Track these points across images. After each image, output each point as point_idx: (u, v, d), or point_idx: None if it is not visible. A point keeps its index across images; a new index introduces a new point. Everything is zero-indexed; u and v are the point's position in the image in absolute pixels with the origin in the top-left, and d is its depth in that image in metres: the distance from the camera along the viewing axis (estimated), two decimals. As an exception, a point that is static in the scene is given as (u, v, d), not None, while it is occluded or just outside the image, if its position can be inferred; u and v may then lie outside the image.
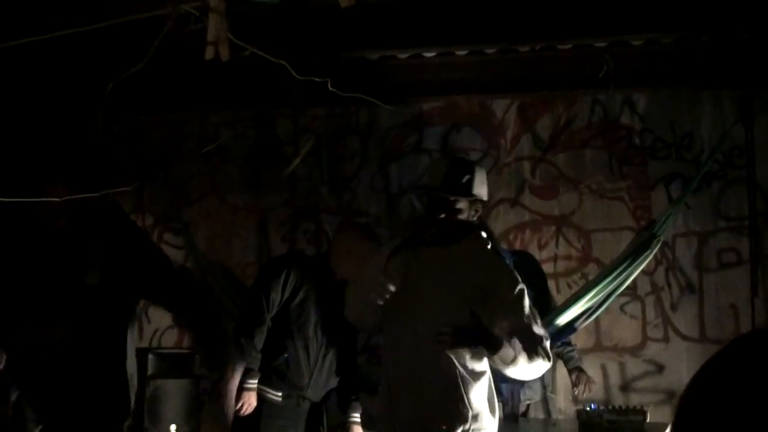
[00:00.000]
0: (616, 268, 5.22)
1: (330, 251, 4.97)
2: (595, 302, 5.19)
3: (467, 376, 3.62)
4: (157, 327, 6.58)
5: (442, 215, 3.68)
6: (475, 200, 3.75)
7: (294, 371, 4.79)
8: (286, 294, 4.78)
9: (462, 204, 3.70)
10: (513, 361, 3.55)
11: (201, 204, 6.65)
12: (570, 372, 5.33)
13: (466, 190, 3.69)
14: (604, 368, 6.05)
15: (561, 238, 6.26)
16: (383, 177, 6.53)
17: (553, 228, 6.26)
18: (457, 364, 3.59)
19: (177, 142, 6.70)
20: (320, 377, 4.85)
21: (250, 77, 5.74)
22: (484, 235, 3.79)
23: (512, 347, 3.54)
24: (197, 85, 6.18)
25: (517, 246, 6.19)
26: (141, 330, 6.36)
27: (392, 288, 3.69)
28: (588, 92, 6.23)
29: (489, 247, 3.76)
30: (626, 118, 6.24)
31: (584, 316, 5.20)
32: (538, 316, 3.70)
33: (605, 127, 6.26)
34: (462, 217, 3.70)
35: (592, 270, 6.08)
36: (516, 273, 3.77)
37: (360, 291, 3.88)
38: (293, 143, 6.54)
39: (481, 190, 3.77)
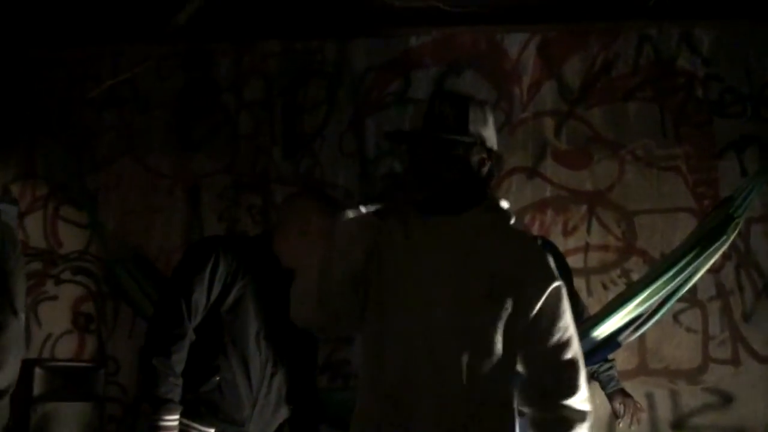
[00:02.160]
0: (677, 262, 4.78)
1: (276, 230, 4.48)
2: (646, 308, 4.79)
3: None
4: (49, 332, 6.13)
5: (432, 168, 3.14)
6: (473, 144, 3.16)
7: (230, 400, 4.24)
8: (215, 292, 4.25)
9: (458, 150, 3.15)
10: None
11: (112, 168, 6.27)
12: (610, 397, 4.98)
13: (461, 127, 3.15)
14: (650, 398, 5.63)
15: (594, 222, 5.86)
16: (356, 136, 6.14)
17: (584, 208, 5.88)
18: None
19: (81, 86, 6.31)
20: (267, 406, 4.33)
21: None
22: (504, 204, 3.25)
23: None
24: (109, 10, 5.91)
25: (535, 231, 5.77)
26: (27, 335, 5.91)
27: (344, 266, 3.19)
28: (634, 25, 5.91)
29: (510, 223, 3.25)
30: (685, 60, 5.91)
31: (631, 327, 4.80)
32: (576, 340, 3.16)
33: (656, 73, 5.92)
34: (460, 170, 3.16)
35: (635, 265, 5.75)
36: (552, 262, 3.17)
37: (308, 279, 3.32)
38: (236, 89, 6.24)
39: (483, 130, 3.21)
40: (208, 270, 4.23)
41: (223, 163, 6.19)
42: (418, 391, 3.03)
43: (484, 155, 3.19)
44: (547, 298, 3.05)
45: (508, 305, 3.05)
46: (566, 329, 3.06)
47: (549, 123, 5.97)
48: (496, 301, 3.05)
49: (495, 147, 3.25)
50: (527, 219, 5.87)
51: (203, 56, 6.25)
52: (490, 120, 3.31)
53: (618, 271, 5.77)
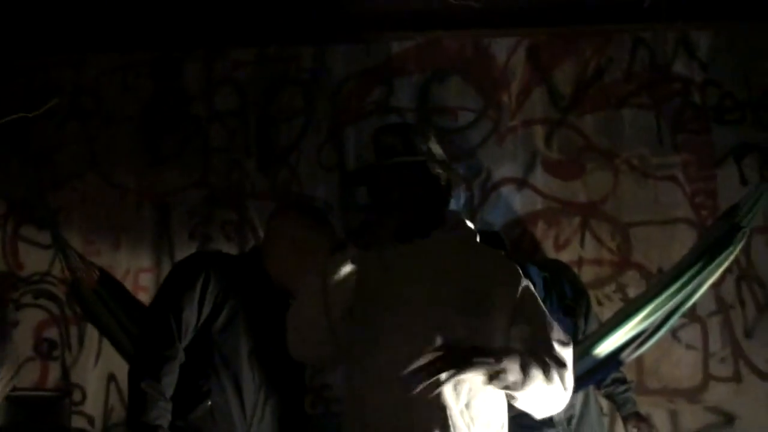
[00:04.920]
0: (680, 275, 4.77)
1: (264, 246, 4.45)
2: (648, 325, 4.76)
3: (464, 426, 3.33)
4: (10, 359, 6.10)
5: (397, 194, 3.49)
6: (425, 161, 3.55)
7: (222, 426, 4.17)
8: (205, 311, 4.18)
9: (415, 170, 3.53)
10: (524, 384, 3.32)
11: (75, 184, 6.30)
12: (625, 420, 5.07)
13: (410, 149, 3.55)
14: (648, 419, 5.39)
15: (588, 235, 5.92)
16: (336, 147, 6.17)
17: (577, 220, 5.94)
18: (450, 405, 3.30)
19: (42, 98, 5.96)
20: None
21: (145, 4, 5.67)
22: (470, 225, 3.64)
23: (522, 366, 3.31)
24: (71, 17, 5.93)
25: (526, 245, 5.91)
26: (-14, 363, 5.98)
27: (339, 305, 3.47)
28: (627, 28, 5.98)
29: (477, 237, 3.64)
30: (682, 65, 5.98)
31: (633, 345, 4.78)
32: (553, 321, 3.50)
33: (652, 79, 5.99)
34: (423, 188, 3.53)
35: (631, 279, 5.82)
36: (517, 267, 3.55)
37: (303, 309, 3.58)
38: (207, 99, 6.25)
39: (428, 145, 3.62)
40: (199, 287, 4.17)
41: (194, 177, 6.19)
42: (410, 397, 3.23)
43: (439, 169, 3.54)
44: (521, 298, 3.41)
45: (485, 316, 3.36)
46: (546, 320, 3.42)
47: (539, 131, 6.01)
48: (474, 314, 3.35)
49: (444, 157, 3.61)
50: (517, 232, 5.89)
51: (171, 64, 6.25)
52: (433, 137, 3.66)
53: (613, 286, 5.79)
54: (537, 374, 3.27)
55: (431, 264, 3.43)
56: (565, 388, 3.35)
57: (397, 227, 3.43)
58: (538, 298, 3.49)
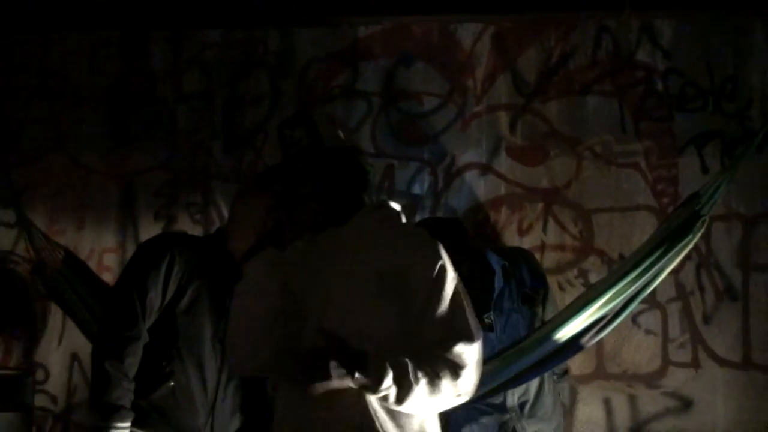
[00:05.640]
0: (641, 262, 4.79)
1: (228, 227, 4.48)
2: (609, 310, 4.77)
3: (385, 413, 3.27)
4: (-30, 341, 6.10)
5: (307, 189, 3.38)
6: (334, 150, 3.44)
7: (185, 406, 4.28)
8: (170, 292, 4.26)
9: (319, 166, 3.41)
10: (400, 397, 3.17)
11: (40, 164, 6.30)
12: None
13: (315, 141, 3.42)
14: (607, 403, 5.76)
15: (551, 220, 5.94)
16: None
17: (540, 206, 5.95)
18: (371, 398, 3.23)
19: (7, 77, 6.37)
20: (223, 414, 4.35)
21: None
22: (394, 206, 3.55)
23: (397, 380, 3.14)
24: None
25: (489, 230, 5.91)
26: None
27: (265, 312, 3.39)
28: (592, 16, 5.96)
29: (401, 220, 3.54)
30: (645, 53, 5.96)
31: (594, 330, 4.79)
32: (469, 315, 3.31)
33: (615, 66, 5.97)
34: (333, 180, 3.43)
35: (592, 265, 5.85)
36: (439, 247, 3.37)
37: (233, 324, 3.50)
38: (174, 80, 6.25)
39: (335, 133, 3.49)
40: (164, 268, 4.21)
41: (160, 158, 6.18)
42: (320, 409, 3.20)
43: (348, 156, 3.47)
44: (434, 279, 3.26)
45: (400, 299, 3.26)
46: (455, 308, 3.25)
47: (503, 117, 5.99)
48: (388, 298, 3.27)
49: (352, 145, 3.53)
50: (480, 217, 5.88)
51: (138, 45, 6.21)
52: (333, 120, 3.69)
53: (575, 272, 5.82)
54: (418, 387, 3.14)
55: (346, 252, 3.39)
56: (457, 394, 3.22)
57: (310, 221, 3.42)
58: (454, 280, 3.32)
